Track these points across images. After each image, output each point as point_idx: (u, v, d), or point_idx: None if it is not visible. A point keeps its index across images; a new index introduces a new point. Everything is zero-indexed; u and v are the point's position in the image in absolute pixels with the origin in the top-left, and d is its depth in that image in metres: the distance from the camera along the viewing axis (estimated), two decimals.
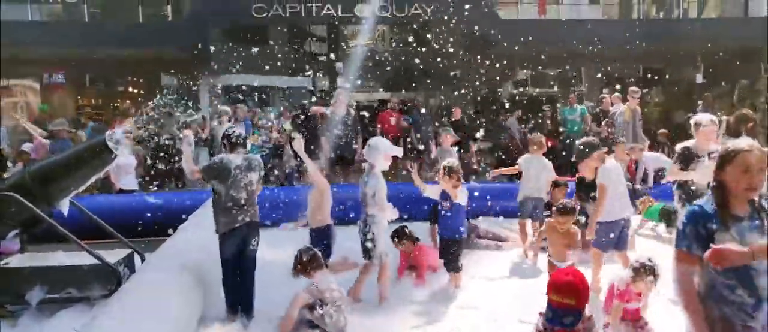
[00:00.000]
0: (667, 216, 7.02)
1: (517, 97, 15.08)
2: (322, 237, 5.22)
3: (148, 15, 16.13)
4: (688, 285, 2.44)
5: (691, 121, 5.18)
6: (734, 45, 14.97)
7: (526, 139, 12.09)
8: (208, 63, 13.49)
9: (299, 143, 5.38)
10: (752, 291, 2.36)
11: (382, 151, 4.95)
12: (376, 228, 4.91)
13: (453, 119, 10.84)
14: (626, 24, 15.90)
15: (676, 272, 2.46)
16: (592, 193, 5.53)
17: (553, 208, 5.23)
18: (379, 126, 11.30)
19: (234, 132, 4.71)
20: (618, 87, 11.39)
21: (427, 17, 14.30)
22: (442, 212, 5.24)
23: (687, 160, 4.95)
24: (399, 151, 5.22)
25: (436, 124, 11.16)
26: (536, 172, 6.47)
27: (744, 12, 16.52)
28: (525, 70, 17.08)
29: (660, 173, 8.90)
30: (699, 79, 15.12)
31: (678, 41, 14.55)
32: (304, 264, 4.33)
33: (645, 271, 3.97)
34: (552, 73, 16.35)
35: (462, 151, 10.25)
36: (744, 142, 2.52)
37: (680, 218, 2.59)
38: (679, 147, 5.11)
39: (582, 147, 5.44)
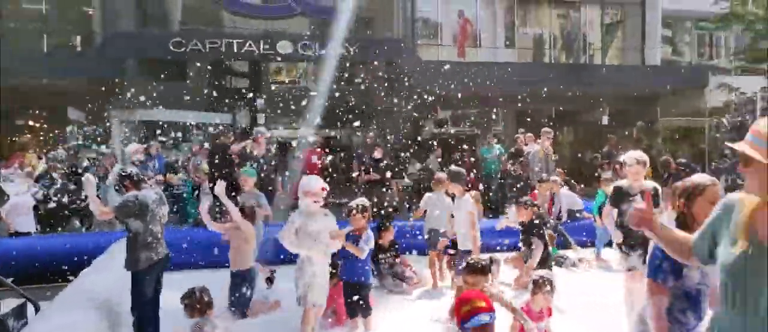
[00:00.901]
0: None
1: (438, 136, 15.41)
2: (242, 281, 5.18)
3: (52, 44, 15.25)
4: (661, 314, 2.66)
5: (622, 159, 5.44)
6: (634, 90, 16.17)
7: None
8: (120, 96, 12.84)
9: (220, 187, 5.21)
10: (697, 313, 2.66)
11: (314, 188, 4.76)
12: (308, 270, 4.63)
13: (375, 157, 10.83)
14: (539, 67, 16.81)
15: (651, 302, 2.68)
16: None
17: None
18: (302, 164, 11.14)
19: (131, 172, 4.68)
20: (521, 130, 11.88)
21: (351, 55, 14.40)
22: (346, 255, 5.00)
23: (619, 199, 5.02)
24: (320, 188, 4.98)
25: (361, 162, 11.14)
26: (438, 209, 6.73)
27: (641, 61, 17.94)
28: (445, 111, 17.53)
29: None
30: (605, 120, 16.11)
31: (585, 85, 15.50)
32: (201, 303, 4.23)
33: (543, 283, 4.31)
34: (471, 113, 16.89)
35: (385, 189, 10.26)
36: (706, 178, 2.80)
37: (653, 251, 2.72)
38: (612, 187, 5.27)
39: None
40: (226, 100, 14.59)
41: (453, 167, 6.35)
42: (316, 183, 4.72)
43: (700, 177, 2.81)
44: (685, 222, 2.70)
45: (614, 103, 16.32)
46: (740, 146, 1.89)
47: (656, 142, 16.41)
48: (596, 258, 8.11)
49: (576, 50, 18.64)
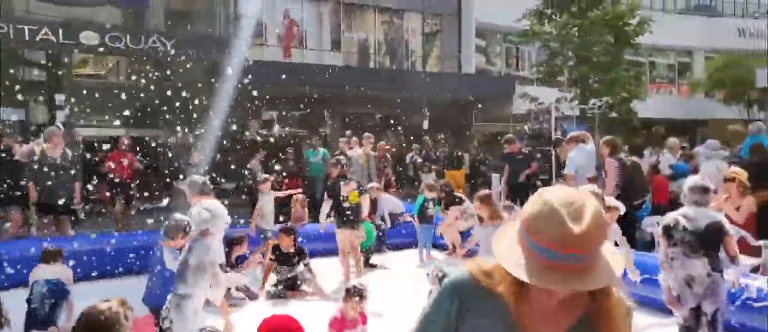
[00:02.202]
0: None
1: (262, 139, 15.25)
2: None
3: None
4: None
5: None
6: (452, 96, 17.49)
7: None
8: None
9: None
10: None
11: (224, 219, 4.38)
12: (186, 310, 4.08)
13: (192, 163, 10.39)
14: (364, 72, 17.43)
15: None
16: None
17: None
18: (109, 167, 10.30)
19: None
20: (348, 132, 12.28)
21: (167, 51, 13.63)
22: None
23: None
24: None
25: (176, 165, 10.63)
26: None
27: (458, 68, 19.47)
28: (271, 112, 17.41)
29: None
30: (425, 125, 17.20)
31: (408, 90, 16.41)
32: None
33: (354, 293, 4.39)
34: (297, 115, 16.97)
35: None
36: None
37: None
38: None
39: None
40: (19, 95, 12.98)
41: (196, 177, 5.94)
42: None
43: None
44: None
45: (434, 108, 17.48)
46: None
47: (472, 146, 17.92)
48: (426, 256, 8.72)
49: (399, 56, 19.66)
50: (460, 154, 15.21)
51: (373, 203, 9.76)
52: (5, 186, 7.73)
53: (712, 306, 4.04)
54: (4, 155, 8.16)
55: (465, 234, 8.81)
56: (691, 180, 4.43)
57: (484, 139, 19.11)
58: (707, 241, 4.06)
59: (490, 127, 19.72)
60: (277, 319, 3.18)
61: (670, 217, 4.22)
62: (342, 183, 7.39)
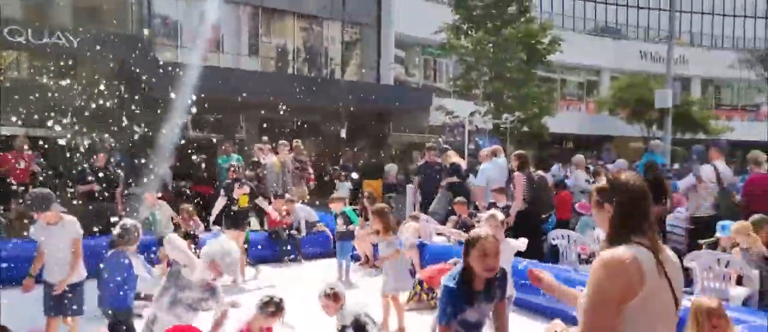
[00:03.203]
0: None
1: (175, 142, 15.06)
2: None
3: None
4: None
5: None
6: (370, 106, 18.00)
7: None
8: None
9: None
10: None
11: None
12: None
13: (96, 165, 10.21)
14: (282, 78, 17.60)
15: None
16: None
17: None
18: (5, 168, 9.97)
19: None
20: (265, 138, 12.44)
21: (73, 48, 13.28)
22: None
23: None
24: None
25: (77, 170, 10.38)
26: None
27: (377, 78, 20.05)
28: (184, 116, 17.21)
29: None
30: (343, 133, 17.60)
31: (326, 99, 16.75)
32: None
33: (271, 305, 4.23)
34: (212, 119, 16.89)
35: (103, 201, 9.74)
36: (483, 230, 3.32)
37: (441, 297, 3.35)
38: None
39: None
40: None
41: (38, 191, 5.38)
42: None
43: (477, 230, 3.42)
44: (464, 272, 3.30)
45: (352, 117, 17.92)
46: None
47: (390, 155, 18.48)
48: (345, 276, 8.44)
49: (318, 64, 20.00)
50: (377, 162, 15.56)
51: (288, 213, 10.06)
52: None
53: None
54: None
55: (377, 247, 9.18)
56: None
57: (401, 149, 19.75)
58: None
59: (408, 137, 20.41)
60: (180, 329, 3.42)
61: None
62: (236, 185, 7.94)
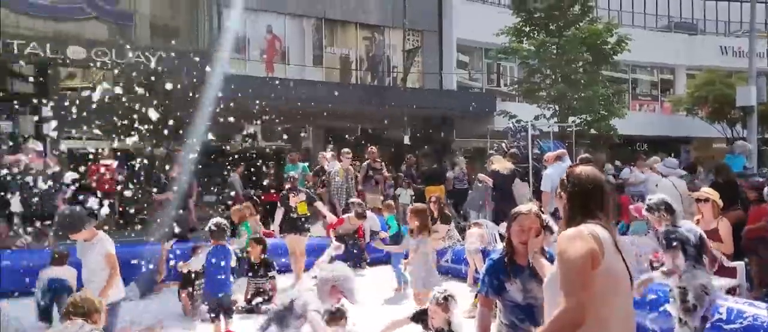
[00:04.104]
0: None
1: (245, 152, 15.96)
2: None
3: None
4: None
5: None
6: (433, 112, 18.34)
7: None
8: None
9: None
10: (536, 324, 3.21)
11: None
12: None
13: (173, 175, 11.12)
14: (346, 87, 18.23)
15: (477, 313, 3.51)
16: None
17: None
18: (91, 179, 11.02)
19: None
20: (329, 146, 12.97)
21: (151, 65, 14.39)
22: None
23: None
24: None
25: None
26: None
27: (440, 84, 20.36)
28: (254, 125, 18.16)
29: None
30: (406, 140, 18.00)
31: (389, 106, 17.23)
32: None
33: (339, 315, 4.51)
34: (279, 130, 17.71)
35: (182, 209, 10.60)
36: (526, 206, 3.51)
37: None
38: None
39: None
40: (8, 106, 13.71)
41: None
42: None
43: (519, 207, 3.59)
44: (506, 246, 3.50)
45: (415, 124, 18.30)
46: None
47: (456, 160, 18.67)
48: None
49: (381, 72, 20.53)
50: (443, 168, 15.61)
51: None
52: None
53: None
54: None
55: (440, 253, 9.43)
56: (660, 197, 4.96)
57: (465, 155, 19.93)
58: (700, 253, 4.70)
59: (472, 142, 20.57)
60: None
61: (684, 231, 4.72)
62: (291, 194, 8.58)
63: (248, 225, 9.39)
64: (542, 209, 10.09)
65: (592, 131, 18.70)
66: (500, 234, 9.20)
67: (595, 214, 2.55)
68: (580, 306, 2.33)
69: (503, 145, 16.74)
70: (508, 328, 3.41)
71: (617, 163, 16.10)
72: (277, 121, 16.77)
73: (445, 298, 4.42)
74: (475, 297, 7.00)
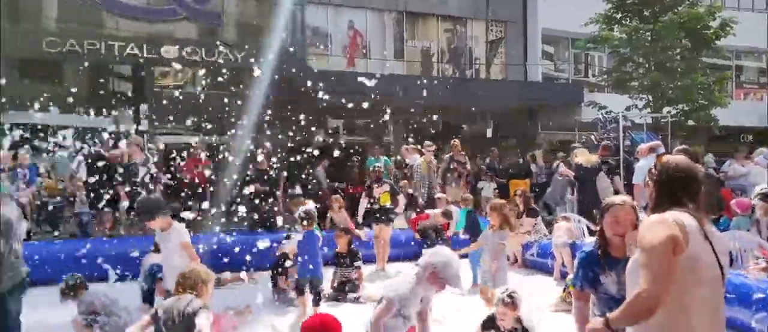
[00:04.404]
0: None
1: (329, 146, 16.28)
2: None
3: None
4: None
5: None
6: (516, 104, 17.98)
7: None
8: None
9: None
10: None
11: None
12: None
13: (259, 168, 11.52)
14: (427, 80, 18.19)
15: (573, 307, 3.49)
16: None
17: None
18: (185, 172, 11.63)
19: None
20: (410, 140, 13.03)
21: (237, 62, 14.99)
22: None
23: None
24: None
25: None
26: None
27: (524, 76, 19.91)
28: (336, 120, 18.53)
29: None
30: (489, 133, 17.76)
31: (471, 98, 17.06)
32: (69, 287, 5.09)
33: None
34: (361, 123, 17.98)
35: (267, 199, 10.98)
36: (619, 197, 3.48)
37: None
38: None
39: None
40: (108, 105, 14.70)
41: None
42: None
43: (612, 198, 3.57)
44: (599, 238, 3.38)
45: (497, 117, 18.02)
46: None
47: (539, 154, 18.25)
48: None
49: (462, 64, 20.34)
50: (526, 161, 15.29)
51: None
52: (101, 189, 9.06)
53: None
54: (101, 161, 9.51)
55: (526, 247, 9.36)
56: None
57: (551, 148, 19.40)
58: None
59: (558, 135, 19.99)
60: (318, 317, 3.73)
61: None
62: (375, 185, 8.91)
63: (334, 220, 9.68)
64: (634, 202, 9.76)
65: (690, 122, 17.70)
66: (588, 228, 8.96)
67: (682, 202, 2.50)
68: (657, 291, 2.29)
69: (593, 137, 16.23)
70: None
71: (711, 155, 15.12)
72: (358, 114, 17.05)
73: (510, 296, 4.35)
74: (563, 291, 6.84)
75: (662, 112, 16.87)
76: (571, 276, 7.12)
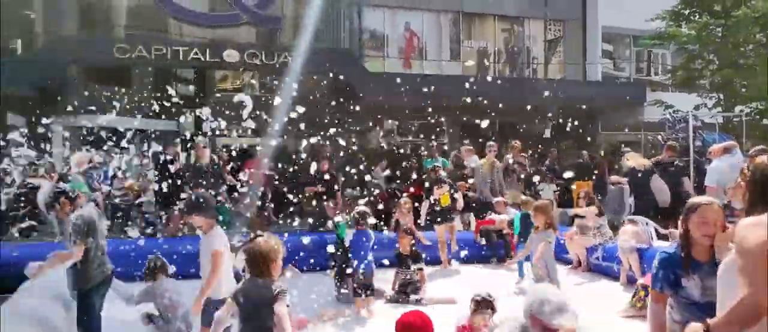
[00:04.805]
0: None
1: (385, 148, 16.45)
2: None
3: None
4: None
5: None
6: (576, 104, 17.62)
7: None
8: (62, 103, 13.37)
9: None
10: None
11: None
12: None
13: (321, 170, 11.69)
14: (483, 80, 18.08)
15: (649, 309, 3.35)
16: None
17: None
18: (247, 174, 11.92)
19: (66, 189, 5.66)
20: (466, 142, 12.94)
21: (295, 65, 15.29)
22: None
23: None
24: None
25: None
26: None
27: (583, 75, 19.52)
28: (391, 121, 18.64)
29: None
30: (547, 133, 17.49)
31: (529, 99, 16.80)
32: (152, 269, 5.27)
33: (485, 305, 4.58)
34: (416, 124, 18.03)
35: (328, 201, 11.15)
36: (705, 197, 3.34)
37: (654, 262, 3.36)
38: None
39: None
40: (173, 108, 15.26)
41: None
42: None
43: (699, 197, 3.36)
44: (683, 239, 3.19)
45: (556, 117, 17.72)
46: None
47: (599, 154, 17.85)
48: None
49: (520, 64, 20.11)
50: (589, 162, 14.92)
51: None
52: (169, 190, 9.42)
53: None
54: (170, 163, 9.89)
55: (590, 251, 9.08)
56: None
57: (611, 149, 18.94)
58: None
59: (619, 135, 19.51)
60: (416, 314, 3.75)
61: None
62: (435, 187, 9.06)
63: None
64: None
65: (765, 121, 16.94)
66: (657, 230, 8.69)
67: None
68: (762, 296, 2.21)
69: (659, 137, 15.76)
70: (682, 326, 3.19)
71: None
72: (414, 116, 17.11)
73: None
74: (632, 296, 6.68)
75: (734, 110, 16.23)
76: (641, 280, 6.98)
